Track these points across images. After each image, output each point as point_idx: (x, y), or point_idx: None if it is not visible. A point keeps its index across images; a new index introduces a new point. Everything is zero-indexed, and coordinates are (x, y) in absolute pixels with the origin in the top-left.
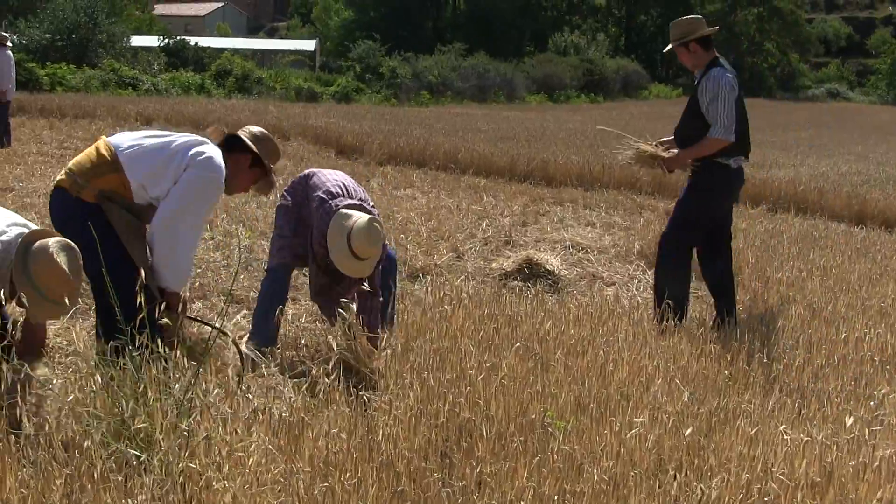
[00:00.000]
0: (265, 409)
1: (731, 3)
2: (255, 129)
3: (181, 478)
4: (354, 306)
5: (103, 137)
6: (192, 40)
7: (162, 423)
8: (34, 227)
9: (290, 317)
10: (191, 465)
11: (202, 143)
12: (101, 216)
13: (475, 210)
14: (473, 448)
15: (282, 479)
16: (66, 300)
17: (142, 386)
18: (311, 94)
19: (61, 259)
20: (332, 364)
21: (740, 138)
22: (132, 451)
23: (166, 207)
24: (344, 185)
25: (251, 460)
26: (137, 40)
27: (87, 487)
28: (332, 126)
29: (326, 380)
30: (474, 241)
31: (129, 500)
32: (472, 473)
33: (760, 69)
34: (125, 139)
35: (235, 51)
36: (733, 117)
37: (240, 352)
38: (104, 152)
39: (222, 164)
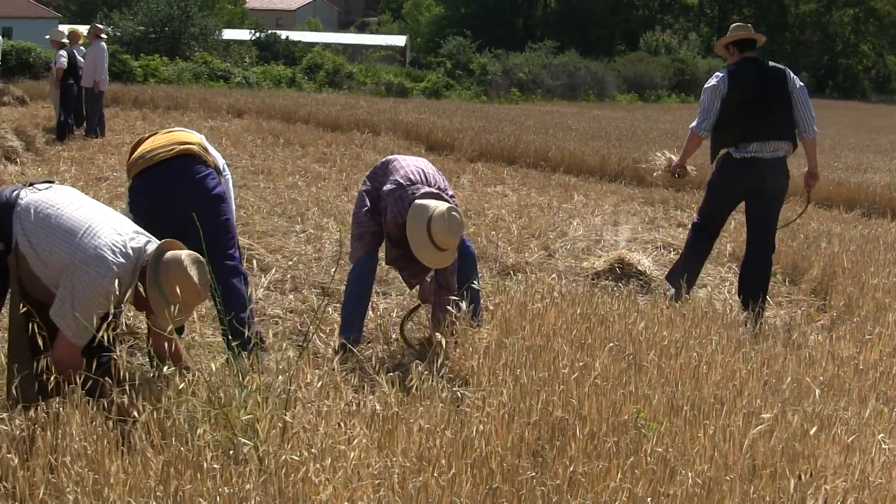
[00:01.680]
0: (360, 403)
1: (827, 3)
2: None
3: (283, 469)
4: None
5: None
6: (284, 34)
7: (264, 415)
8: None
9: (380, 311)
10: (294, 456)
11: None
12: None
13: (566, 209)
14: (566, 447)
15: (375, 474)
16: (190, 310)
17: (246, 377)
18: (401, 89)
19: (193, 272)
20: (438, 360)
21: (736, 130)
22: (242, 439)
23: None
24: (423, 171)
25: (353, 455)
26: (229, 33)
27: (183, 474)
28: (423, 122)
29: (420, 375)
30: (565, 239)
31: (227, 489)
32: (564, 472)
33: (855, 71)
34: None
35: (326, 45)
36: (707, 112)
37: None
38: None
39: None
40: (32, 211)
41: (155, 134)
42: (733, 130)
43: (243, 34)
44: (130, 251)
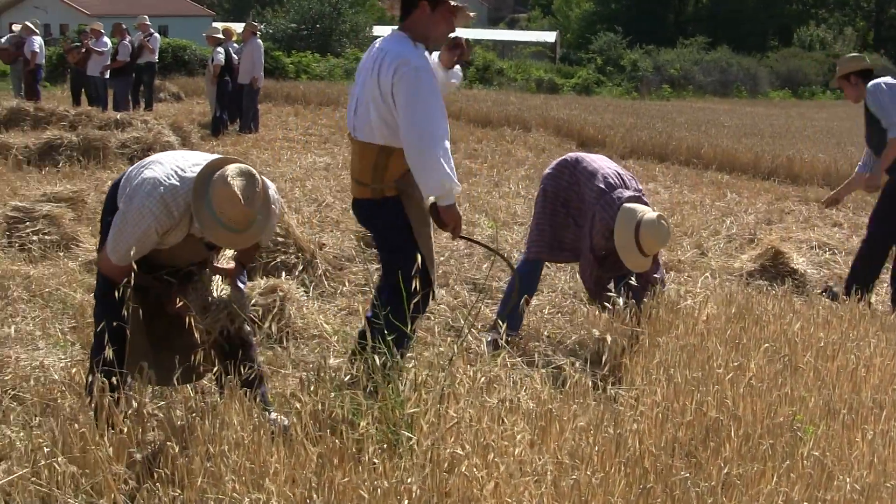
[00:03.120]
0: (516, 399)
1: None
2: None
3: (445, 463)
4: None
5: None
6: None
7: (425, 409)
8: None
9: (532, 307)
10: (458, 451)
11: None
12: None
13: (718, 206)
14: (720, 448)
15: (529, 471)
16: (244, 227)
17: (412, 372)
18: (551, 85)
19: (236, 183)
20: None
21: None
22: (405, 432)
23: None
24: (618, 173)
25: (516, 451)
26: (380, 30)
27: (340, 466)
28: (574, 118)
29: (574, 372)
30: (718, 238)
31: (386, 482)
32: (718, 474)
33: None
34: None
35: (477, 41)
36: None
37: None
38: (368, 150)
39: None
40: (132, 173)
41: None
42: None
43: None
44: (187, 175)
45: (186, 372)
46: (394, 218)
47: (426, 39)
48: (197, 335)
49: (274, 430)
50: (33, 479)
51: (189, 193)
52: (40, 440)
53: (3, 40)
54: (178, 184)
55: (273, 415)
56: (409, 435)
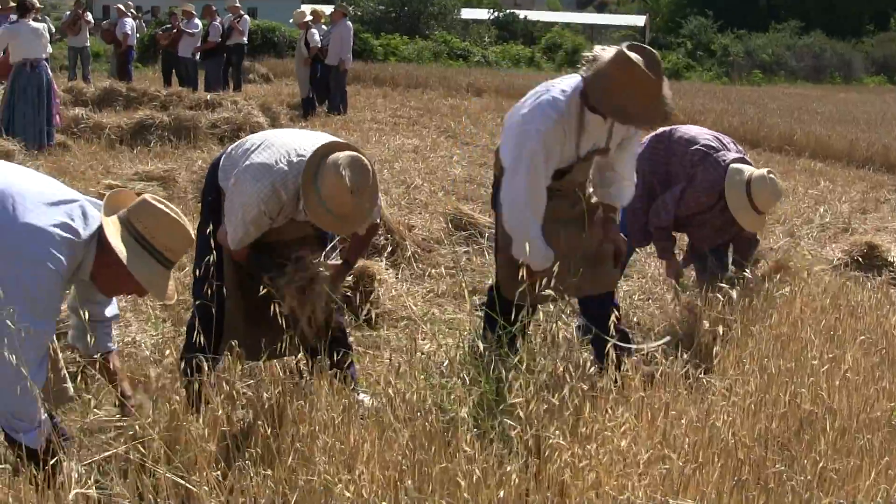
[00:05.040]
0: (609, 386)
1: None
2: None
3: (546, 452)
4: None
5: None
6: (522, 14)
7: (529, 397)
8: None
9: (622, 293)
10: (559, 440)
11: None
12: None
13: (812, 195)
14: (814, 442)
15: (621, 459)
16: (349, 215)
17: (517, 359)
18: None
19: (346, 173)
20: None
21: None
22: (508, 420)
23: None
24: (717, 137)
25: (622, 443)
26: (468, 13)
27: (431, 449)
28: None
29: (664, 360)
30: (811, 226)
31: (477, 467)
32: (813, 468)
33: None
34: None
35: (565, 25)
36: None
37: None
38: None
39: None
40: (232, 152)
41: None
42: None
43: (482, 13)
44: (296, 161)
45: (276, 349)
46: None
47: None
48: (291, 309)
49: (363, 412)
50: (127, 454)
51: (298, 178)
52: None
53: (105, 22)
54: (286, 169)
55: (362, 396)
56: (512, 423)
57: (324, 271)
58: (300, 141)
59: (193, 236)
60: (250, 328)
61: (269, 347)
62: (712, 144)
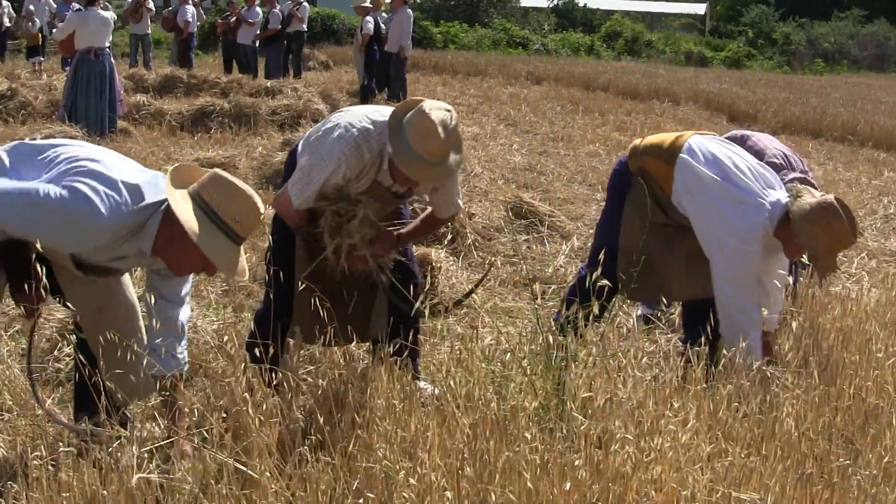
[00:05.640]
0: (670, 377)
1: None
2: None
3: (609, 444)
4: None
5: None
6: (582, 1)
7: (594, 388)
8: None
9: None
10: (622, 431)
11: None
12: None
13: (875, 185)
14: (880, 436)
15: (681, 450)
16: (438, 160)
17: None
18: (700, 58)
19: (433, 115)
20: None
21: None
22: (575, 413)
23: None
24: (784, 154)
25: (684, 437)
26: (527, 1)
27: (491, 438)
28: (725, 92)
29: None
30: (875, 217)
31: (534, 456)
32: (879, 463)
33: None
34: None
35: (625, 13)
36: None
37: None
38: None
39: None
40: (310, 136)
41: None
42: None
43: (541, 1)
44: (379, 120)
45: (339, 334)
46: None
47: None
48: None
49: (424, 400)
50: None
51: (382, 135)
52: (193, 399)
53: (166, 10)
54: (370, 126)
55: (423, 383)
56: (577, 416)
57: (368, 199)
58: (378, 107)
59: (263, 210)
60: (315, 313)
61: (339, 331)
62: (777, 162)
